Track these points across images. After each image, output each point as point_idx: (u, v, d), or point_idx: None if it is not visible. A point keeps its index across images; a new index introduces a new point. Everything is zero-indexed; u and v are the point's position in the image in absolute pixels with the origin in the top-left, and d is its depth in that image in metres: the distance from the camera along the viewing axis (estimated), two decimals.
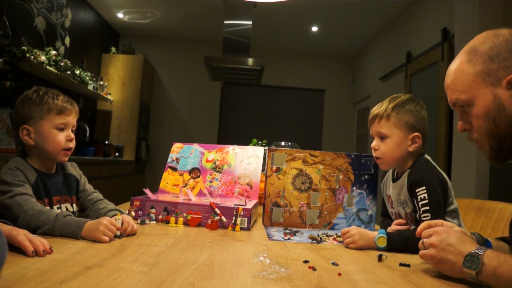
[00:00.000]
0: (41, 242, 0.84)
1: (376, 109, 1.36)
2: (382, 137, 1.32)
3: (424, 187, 1.21)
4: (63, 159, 1.28)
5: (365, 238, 1.14)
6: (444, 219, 1.22)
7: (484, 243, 0.94)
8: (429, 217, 1.19)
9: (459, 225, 1.24)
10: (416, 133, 1.30)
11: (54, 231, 1.01)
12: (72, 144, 1.28)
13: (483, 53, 0.86)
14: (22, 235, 0.83)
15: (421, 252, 0.88)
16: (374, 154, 1.36)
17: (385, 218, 1.48)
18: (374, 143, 1.35)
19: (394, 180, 1.39)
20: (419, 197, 1.22)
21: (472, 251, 0.78)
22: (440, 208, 1.21)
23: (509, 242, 0.99)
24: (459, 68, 0.90)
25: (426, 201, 1.20)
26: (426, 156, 1.33)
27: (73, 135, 1.28)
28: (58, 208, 1.26)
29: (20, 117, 1.24)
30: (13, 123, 1.30)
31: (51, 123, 1.24)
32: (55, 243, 0.93)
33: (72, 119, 1.29)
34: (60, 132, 1.25)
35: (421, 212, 1.21)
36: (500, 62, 0.84)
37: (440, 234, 0.85)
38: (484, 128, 0.87)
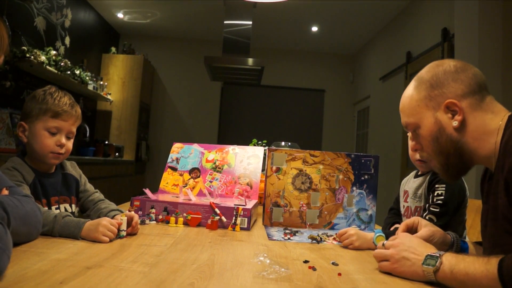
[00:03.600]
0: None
1: None
2: None
3: (444, 185, 1.27)
4: (52, 161, 1.25)
5: (363, 239, 1.14)
6: (448, 220, 1.24)
7: (459, 242, 1.01)
8: (437, 209, 1.24)
9: (461, 236, 1.26)
10: None
11: (53, 232, 1.01)
12: (63, 150, 1.25)
13: (426, 81, 0.98)
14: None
15: (378, 250, 0.92)
16: (418, 157, 1.34)
17: (391, 215, 1.53)
18: (413, 143, 1.36)
19: (417, 176, 1.45)
20: (436, 192, 1.27)
21: (432, 253, 0.83)
22: (449, 209, 1.25)
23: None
24: (408, 94, 1.02)
25: (442, 197, 1.25)
26: None
27: (64, 141, 1.25)
28: (56, 208, 1.25)
29: (22, 112, 1.25)
30: (20, 118, 1.29)
31: (43, 124, 1.22)
32: (55, 243, 0.93)
33: (68, 125, 1.26)
34: (51, 135, 1.23)
35: (431, 204, 1.26)
36: (439, 89, 0.95)
37: (402, 237, 0.92)
38: (431, 147, 0.98)
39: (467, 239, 1.26)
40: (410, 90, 1.01)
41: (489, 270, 0.74)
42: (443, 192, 1.25)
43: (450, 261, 0.79)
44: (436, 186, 1.28)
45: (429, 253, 0.83)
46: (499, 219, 0.86)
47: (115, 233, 1.03)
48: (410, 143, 1.40)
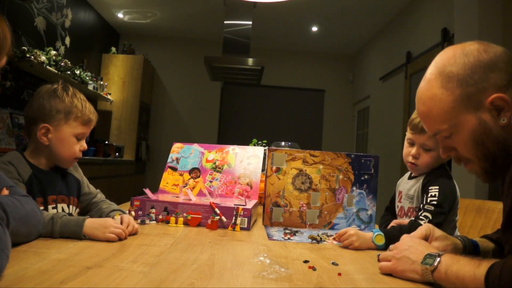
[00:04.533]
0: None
1: (419, 121, 1.34)
2: (427, 149, 1.34)
3: (437, 187, 1.28)
4: (70, 165, 1.29)
5: (363, 239, 1.14)
6: (444, 219, 1.26)
7: (471, 245, 0.95)
8: (432, 209, 1.25)
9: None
10: None
11: (53, 234, 0.97)
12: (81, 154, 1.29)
13: (457, 76, 0.80)
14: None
15: (383, 253, 0.90)
16: (412, 161, 1.37)
17: (387, 213, 1.53)
18: (415, 152, 1.35)
19: (411, 177, 1.45)
20: (430, 193, 1.28)
21: (432, 252, 0.81)
22: (443, 208, 1.26)
23: (495, 240, 1.00)
24: (433, 95, 0.84)
25: (435, 198, 1.26)
26: (447, 167, 1.39)
27: (85, 145, 1.28)
28: (53, 208, 1.21)
29: (42, 111, 1.19)
30: (29, 114, 1.19)
31: (73, 130, 1.22)
32: (55, 243, 0.93)
33: (89, 131, 1.29)
34: (78, 141, 1.24)
35: (425, 204, 1.27)
36: (477, 84, 0.79)
37: (405, 237, 0.89)
38: (473, 153, 0.83)
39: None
40: (435, 90, 0.83)
41: (477, 275, 0.70)
42: (437, 193, 1.27)
43: (446, 261, 0.77)
44: (430, 188, 1.30)
45: (429, 252, 0.81)
46: None
47: (125, 232, 1.02)
48: (406, 148, 1.40)
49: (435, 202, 1.25)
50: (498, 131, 0.79)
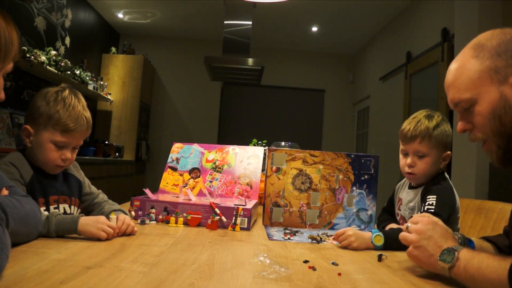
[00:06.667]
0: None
1: (414, 127, 1.34)
2: (421, 156, 1.33)
3: (435, 196, 1.26)
4: (53, 171, 1.22)
5: (361, 239, 1.14)
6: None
7: (466, 242, 0.95)
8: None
9: None
10: (448, 152, 1.36)
11: (49, 232, 0.97)
12: (66, 163, 1.21)
13: (490, 48, 0.83)
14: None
15: (403, 233, 0.89)
16: (408, 171, 1.36)
17: (384, 213, 1.52)
18: (410, 161, 1.35)
19: (411, 187, 1.44)
20: (427, 202, 1.26)
21: (450, 247, 0.80)
22: (441, 218, 1.23)
23: (494, 242, 1.00)
24: (462, 65, 0.86)
25: (433, 207, 1.24)
26: (446, 175, 1.38)
27: (69, 155, 1.20)
28: (55, 208, 1.21)
29: (29, 112, 1.18)
30: (25, 116, 1.21)
31: (51, 137, 1.16)
32: (55, 243, 0.93)
33: (75, 141, 1.21)
34: (58, 149, 1.17)
35: (422, 211, 1.26)
36: (508, 59, 0.80)
37: (426, 224, 0.86)
38: (489, 127, 0.83)
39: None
40: (465, 60, 0.85)
41: (502, 266, 0.70)
42: (434, 202, 1.25)
43: (465, 256, 0.76)
44: (428, 197, 1.28)
45: (447, 247, 0.80)
46: None
47: (115, 231, 1.02)
48: (401, 160, 1.39)
49: (432, 211, 1.22)
50: None
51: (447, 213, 1.25)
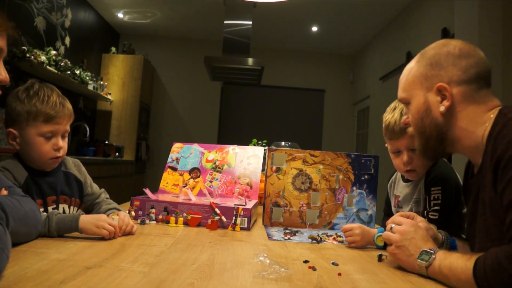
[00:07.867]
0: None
1: (394, 122, 1.26)
2: (414, 150, 1.22)
3: (439, 188, 1.25)
4: (52, 166, 1.21)
5: (367, 238, 1.14)
6: (450, 223, 1.23)
7: (449, 241, 1.03)
8: (436, 217, 1.22)
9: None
10: None
11: (50, 232, 0.97)
12: (61, 153, 1.19)
13: (427, 57, 0.95)
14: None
15: (387, 233, 0.94)
16: (407, 168, 1.28)
17: (385, 217, 1.51)
18: (406, 158, 1.27)
19: (406, 180, 1.40)
20: (432, 195, 1.25)
21: (429, 248, 0.86)
22: (449, 211, 1.23)
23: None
24: (409, 67, 1.00)
25: (439, 201, 1.23)
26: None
27: (61, 143, 1.19)
28: (54, 208, 1.20)
29: (7, 117, 1.15)
30: (4, 121, 1.19)
31: (36, 130, 1.14)
32: (55, 243, 0.93)
33: (62, 127, 1.19)
34: (47, 140, 1.16)
35: (429, 210, 1.25)
36: (437, 70, 0.93)
37: (410, 226, 0.92)
38: (415, 125, 0.98)
39: None
40: (412, 63, 0.99)
41: (467, 266, 0.76)
42: (439, 195, 1.22)
43: (440, 257, 0.83)
44: (432, 189, 1.24)
45: (426, 249, 0.86)
46: (488, 213, 0.85)
47: (117, 230, 1.02)
48: (394, 160, 1.34)
49: (438, 207, 1.21)
50: (436, 115, 0.93)
51: (454, 204, 1.23)
